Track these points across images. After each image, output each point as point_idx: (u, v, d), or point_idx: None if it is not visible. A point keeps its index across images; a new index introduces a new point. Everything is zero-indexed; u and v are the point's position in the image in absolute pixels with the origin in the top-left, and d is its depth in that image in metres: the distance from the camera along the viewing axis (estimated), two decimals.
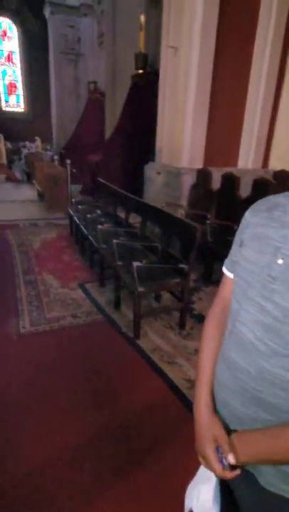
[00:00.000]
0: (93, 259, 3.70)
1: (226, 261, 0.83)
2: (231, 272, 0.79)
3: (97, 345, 2.49)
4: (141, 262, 2.57)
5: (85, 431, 1.75)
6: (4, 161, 10.63)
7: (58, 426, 1.77)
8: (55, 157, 9.10)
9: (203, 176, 4.16)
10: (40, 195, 6.87)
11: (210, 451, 0.69)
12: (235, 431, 0.69)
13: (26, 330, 2.61)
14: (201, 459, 0.74)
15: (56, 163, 8.07)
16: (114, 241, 2.87)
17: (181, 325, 2.67)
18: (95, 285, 3.36)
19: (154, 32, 6.12)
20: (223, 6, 3.74)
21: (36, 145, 11.82)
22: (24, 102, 14.67)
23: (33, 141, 12.03)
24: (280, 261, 0.61)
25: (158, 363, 2.27)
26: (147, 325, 2.69)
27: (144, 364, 2.28)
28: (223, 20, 3.80)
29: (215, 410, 0.74)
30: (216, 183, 4.01)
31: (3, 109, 14.28)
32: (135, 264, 2.45)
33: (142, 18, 6.29)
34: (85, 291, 3.26)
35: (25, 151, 10.82)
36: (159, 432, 1.75)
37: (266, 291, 0.62)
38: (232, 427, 0.70)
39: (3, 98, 14.28)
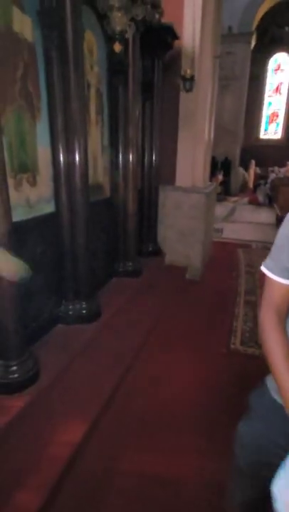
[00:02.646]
0: None
1: (271, 264, 0.85)
2: (285, 277, 0.82)
3: None
4: None
5: None
6: (251, 185, 11.25)
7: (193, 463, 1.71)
8: None
9: None
10: (279, 220, 6.78)
11: None
12: None
13: (235, 347, 2.69)
14: None
15: None
16: None
17: None
18: None
19: None
20: None
21: (286, 170, 11.70)
22: (282, 129, 14.87)
23: (282, 166, 12.00)
24: None
25: None
26: None
27: None
28: None
29: None
30: None
31: (261, 137, 15.08)
32: None
33: None
34: None
35: (272, 175, 10.97)
36: None
37: None
38: None
39: (262, 127, 15.09)
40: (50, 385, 1.83)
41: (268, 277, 0.87)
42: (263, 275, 0.89)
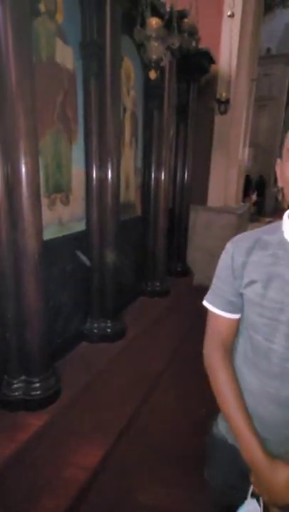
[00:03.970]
0: None
1: (213, 299, 0.83)
2: (228, 311, 0.81)
3: None
4: None
5: None
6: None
7: None
8: None
9: None
10: None
11: None
12: None
13: None
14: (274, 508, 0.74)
15: None
16: None
17: None
18: None
19: None
20: None
21: None
22: None
23: None
24: None
25: None
26: None
27: None
28: None
29: None
30: None
31: None
32: None
33: None
34: None
35: None
36: None
37: None
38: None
39: None
40: (70, 404, 1.82)
41: (211, 312, 0.85)
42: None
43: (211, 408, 0.85)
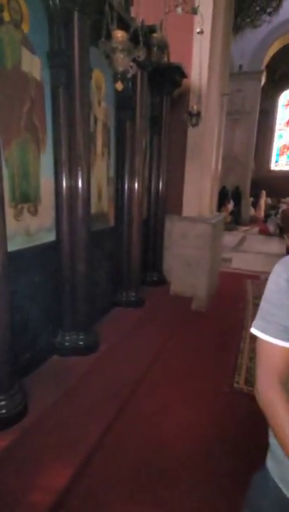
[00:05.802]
0: None
1: (264, 326, 0.74)
2: (285, 339, 0.72)
3: None
4: None
5: None
6: (262, 215, 11.25)
7: None
8: None
9: None
10: None
11: None
12: None
13: (239, 386, 2.54)
14: None
15: None
16: None
17: None
18: None
19: None
20: None
21: None
22: None
23: None
24: None
25: None
26: None
27: None
28: None
29: None
30: None
31: (272, 168, 15.28)
32: None
33: None
34: None
35: (283, 206, 10.97)
36: None
37: None
38: None
39: (273, 159, 15.33)
40: (37, 422, 1.74)
41: (262, 341, 0.74)
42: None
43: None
